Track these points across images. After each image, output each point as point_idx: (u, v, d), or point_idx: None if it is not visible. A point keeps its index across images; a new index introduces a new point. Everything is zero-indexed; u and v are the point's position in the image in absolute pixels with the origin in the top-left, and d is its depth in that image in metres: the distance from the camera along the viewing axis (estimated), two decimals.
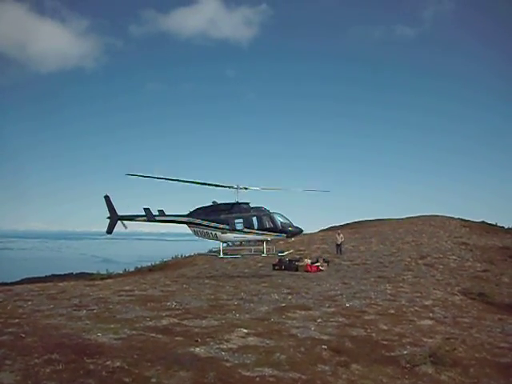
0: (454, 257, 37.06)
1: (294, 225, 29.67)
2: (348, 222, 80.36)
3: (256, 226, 27.94)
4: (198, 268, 34.71)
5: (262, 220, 28.03)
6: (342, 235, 39.12)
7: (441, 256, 36.81)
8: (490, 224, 64.65)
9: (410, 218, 71.79)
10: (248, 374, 10.02)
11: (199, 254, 46.29)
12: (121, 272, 40.65)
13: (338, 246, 38.14)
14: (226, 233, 27.92)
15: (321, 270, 28.71)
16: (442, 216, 70.16)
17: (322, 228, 70.71)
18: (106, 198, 29.12)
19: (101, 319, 14.05)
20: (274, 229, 28.02)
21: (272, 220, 28.09)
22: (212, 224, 28.03)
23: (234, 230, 27.88)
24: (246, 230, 27.94)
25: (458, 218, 68.05)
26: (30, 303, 16.48)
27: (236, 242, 29.65)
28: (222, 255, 28.08)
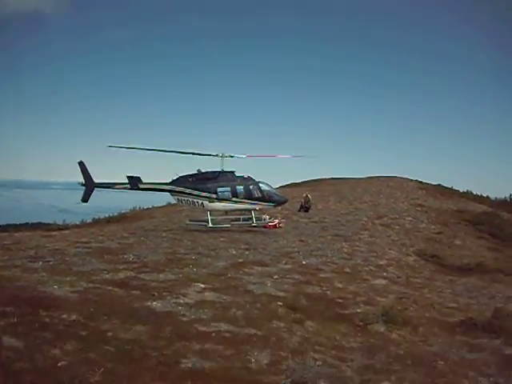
0: (409, 218, 37.70)
1: (279, 194, 29.65)
2: (307, 179, 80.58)
3: (244, 195, 27.55)
4: (156, 221, 34.46)
5: (249, 189, 27.62)
6: (309, 195, 38.97)
7: (397, 217, 37.40)
8: (445, 187, 65.66)
9: (369, 178, 72.42)
10: (204, 329, 10.13)
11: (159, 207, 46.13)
12: (78, 223, 40.10)
13: (303, 206, 37.89)
14: (213, 202, 27.35)
15: (279, 226, 28.69)
16: (399, 177, 70.99)
17: (281, 185, 70.73)
18: (81, 164, 27.46)
19: (57, 271, 13.91)
20: (262, 198, 27.70)
21: (260, 189, 27.73)
22: (198, 193, 27.42)
23: (221, 199, 27.40)
24: (234, 199, 27.50)
25: (416, 180, 68.89)
26: None
27: (223, 210, 28.96)
28: (211, 225, 27.35)
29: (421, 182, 67.71)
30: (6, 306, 9.52)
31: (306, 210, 37.48)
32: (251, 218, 27.98)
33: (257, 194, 27.61)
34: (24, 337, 8.19)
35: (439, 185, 67.57)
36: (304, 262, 18.86)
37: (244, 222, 28.18)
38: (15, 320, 8.85)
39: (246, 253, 20.01)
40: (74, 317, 9.49)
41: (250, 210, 28.03)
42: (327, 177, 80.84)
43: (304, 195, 39.01)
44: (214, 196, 27.28)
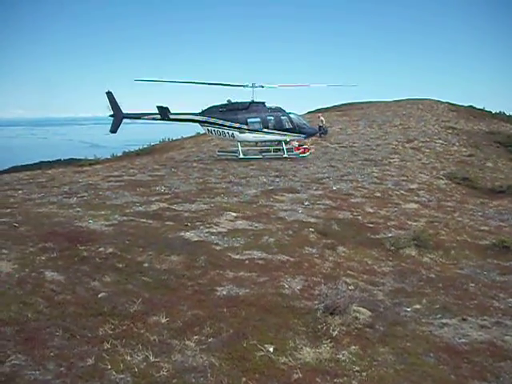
0: (440, 141, 37.11)
1: (310, 125, 29.25)
2: (335, 104, 79.35)
3: (275, 126, 27.34)
4: (185, 151, 34.51)
5: (280, 120, 27.38)
6: (322, 118, 38.42)
7: (427, 140, 36.83)
8: (477, 109, 64.14)
9: (398, 101, 70.75)
10: (238, 257, 10.34)
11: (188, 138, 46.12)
12: (109, 157, 40.34)
13: (320, 127, 37.30)
14: (244, 132, 27.10)
15: (308, 151, 28.32)
16: (430, 99, 69.32)
17: (309, 110, 69.74)
18: (109, 94, 26.88)
19: (91, 206, 14.18)
20: (293, 129, 27.45)
21: (291, 120, 27.44)
22: (229, 123, 27.13)
23: (252, 129, 27.18)
24: (264, 130, 27.28)
25: (446, 102, 67.14)
26: (20, 192, 16.47)
27: (254, 142, 28.58)
28: (241, 155, 27.20)
29: (452, 104, 66.11)
30: (46, 241, 9.81)
31: (323, 133, 36.56)
32: (282, 149, 27.84)
33: (287, 125, 27.32)
34: (64, 270, 8.49)
35: (470, 106, 66.02)
36: (334, 188, 18.87)
37: (275, 153, 27.96)
38: (55, 255, 9.14)
39: (277, 180, 20.06)
40: (110, 250, 9.74)
41: (280, 141, 27.91)
42: (356, 101, 79.48)
43: (320, 119, 38.23)
44: (245, 127, 27.11)
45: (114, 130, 27.48)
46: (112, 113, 27.08)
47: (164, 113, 26.72)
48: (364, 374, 6.15)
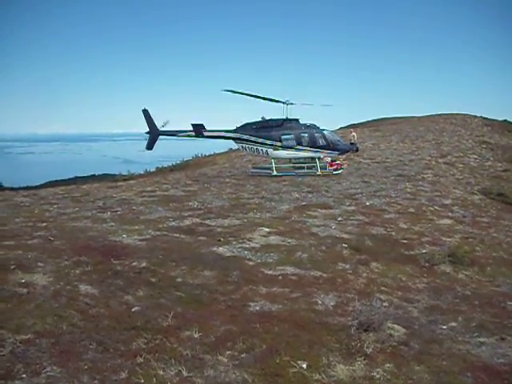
0: (474, 156, 36.72)
1: (344, 142, 29.23)
2: (368, 119, 79.20)
3: (309, 143, 27.33)
4: (218, 167, 34.78)
5: (314, 137, 27.41)
6: (354, 133, 38.33)
7: (461, 155, 36.48)
8: None
9: (431, 115, 70.36)
10: (270, 272, 10.30)
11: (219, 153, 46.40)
12: (142, 173, 40.84)
13: (352, 144, 37.25)
14: (277, 149, 27.21)
15: (341, 167, 28.19)
16: (463, 114, 68.73)
17: (341, 126, 69.69)
18: (145, 111, 27.60)
19: (125, 221, 14.34)
20: (327, 146, 27.46)
21: (324, 137, 27.49)
22: (263, 140, 27.27)
23: (286, 146, 27.23)
24: (298, 147, 27.30)
25: (480, 117, 66.58)
26: (55, 206, 16.77)
27: (288, 158, 28.63)
28: (275, 173, 27.12)
29: (485, 118, 65.47)
30: (80, 255, 9.92)
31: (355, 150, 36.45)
32: (315, 166, 27.74)
33: (321, 141, 27.33)
34: (98, 284, 8.55)
35: (505, 120, 65.26)
36: (367, 203, 18.76)
37: (308, 171, 27.90)
38: (89, 268, 9.23)
39: (309, 196, 20.05)
40: (143, 264, 9.80)
41: (314, 158, 27.82)
42: (388, 116, 79.19)
43: (352, 134, 38.09)
44: (279, 144, 27.12)
45: (150, 147, 27.84)
46: (148, 130, 27.45)
47: (199, 130, 26.92)
48: None
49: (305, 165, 28.32)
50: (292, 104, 27.65)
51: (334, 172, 27.36)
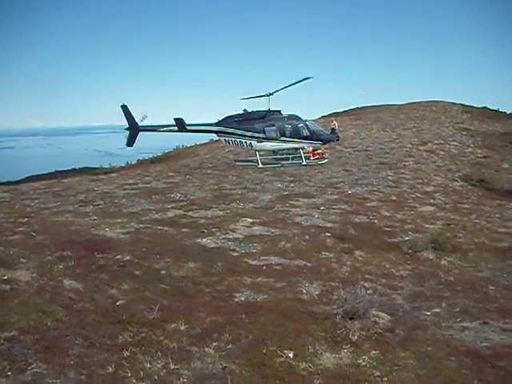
0: (455, 143, 37.00)
1: (326, 132, 29.24)
2: (349, 108, 79.35)
3: (292, 134, 27.38)
4: (199, 158, 34.65)
5: (297, 128, 27.45)
6: (335, 122, 38.27)
7: (442, 142, 36.73)
8: (491, 110, 63.92)
9: (411, 103, 70.62)
10: (255, 262, 10.32)
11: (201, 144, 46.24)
12: (123, 165, 40.58)
13: (333, 133, 37.10)
14: (261, 141, 27.13)
15: (322, 156, 28.24)
16: (443, 101, 69.16)
17: (323, 114, 69.80)
18: (124, 107, 26.73)
19: (107, 214, 14.25)
20: (310, 136, 27.53)
21: (307, 127, 27.57)
22: (246, 133, 27.16)
23: (269, 138, 27.18)
24: (282, 138, 27.33)
25: (460, 104, 67.06)
26: (36, 201, 16.58)
27: (272, 150, 28.56)
28: (261, 165, 27.09)
29: (465, 106, 65.95)
30: (63, 250, 9.85)
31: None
32: (300, 157, 27.78)
33: (305, 132, 27.36)
34: (82, 278, 8.51)
35: (485, 107, 65.77)
36: (350, 192, 18.85)
37: (293, 161, 27.93)
38: (73, 263, 9.17)
39: (292, 185, 20.08)
40: (127, 257, 9.76)
41: (297, 149, 27.86)
42: (369, 104, 79.43)
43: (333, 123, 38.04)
44: (262, 136, 27.08)
45: (130, 144, 27.32)
46: (127, 126, 27.04)
47: (181, 124, 26.63)
48: (385, 379, 6.08)
49: (290, 156, 28.34)
50: (273, 94, 27.57)
51: (319, 162, 27.41)
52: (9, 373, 5.48)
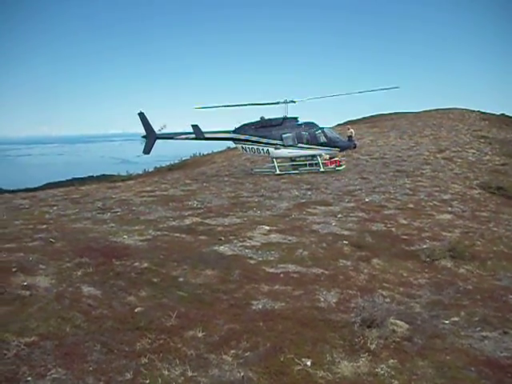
0: (472, 150, 36.71)
1: (343, 139, 29.20)
2: (365, 115, 79.13)
3: (309, 141, 27.39)
4: (216, 166, 34.79)
5: (314, 135, 27.46)
6: (352, 130, 38.21)
7: (459, 150, 36.48)
8: (509, 117, 63.35)
9: (428, 111, 70.31)
10: (272, 270, 10.30)
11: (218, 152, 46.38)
12: (140, 173, 40.87)
13: (350, 140, 36.97)
14: (279, 148, 27.22)
15: (339, 164, 28.16)
16: (460, 109, 68.76)
17: (339, 122, 69.69)
18: (141, 115, 27.24)
19: (125, 221, 14.34)
20: (327, 143, 27.50)
21: (324, 134, 27.56)
22: (263, 140, 27.28)
23: (287, 145, 27.24)
24: (299, 145, 27.36)
25: (477, 111, 66.58)
26: (55, 208, 16.77)
27: (289, 157, 28.66)
28: (278, 171, 27.17)
29: (483, 113, 65.46)
30: (82, 256, 9.93)
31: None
32: (318, 164, 27.73)
33: (322, 139, 27.33)
34: (101, 285, 8.57)
35: (503, 114, 65.22)
36: (367, 200, 18.77)
37: (311, 168, 27.91)
38: (91, 270, 9.24)
39: (309, 193, 20.06)
40: (145, 264, 9.81)
41: (315, 156, 27.81)
42: (385, 112, 79.19)
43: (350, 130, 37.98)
44: (280, 143, 27.10)
45: (147, 152, 27.51)
46: (145, 134, 27.22)
47: (198, 131, 26.72)
48: None
49: (307, 162, 28.29)
50: (293, 102, 27.63)
51: (337, 169, 27.37)
52: (29, 378, 5.53)
